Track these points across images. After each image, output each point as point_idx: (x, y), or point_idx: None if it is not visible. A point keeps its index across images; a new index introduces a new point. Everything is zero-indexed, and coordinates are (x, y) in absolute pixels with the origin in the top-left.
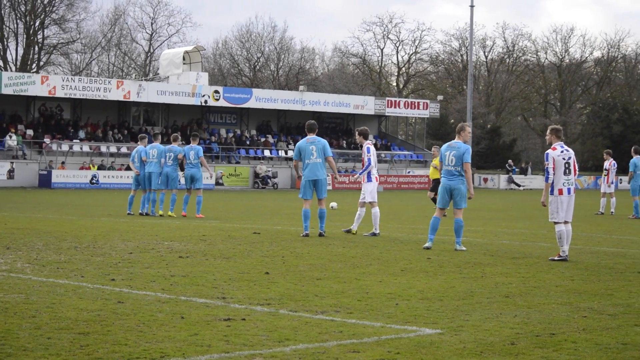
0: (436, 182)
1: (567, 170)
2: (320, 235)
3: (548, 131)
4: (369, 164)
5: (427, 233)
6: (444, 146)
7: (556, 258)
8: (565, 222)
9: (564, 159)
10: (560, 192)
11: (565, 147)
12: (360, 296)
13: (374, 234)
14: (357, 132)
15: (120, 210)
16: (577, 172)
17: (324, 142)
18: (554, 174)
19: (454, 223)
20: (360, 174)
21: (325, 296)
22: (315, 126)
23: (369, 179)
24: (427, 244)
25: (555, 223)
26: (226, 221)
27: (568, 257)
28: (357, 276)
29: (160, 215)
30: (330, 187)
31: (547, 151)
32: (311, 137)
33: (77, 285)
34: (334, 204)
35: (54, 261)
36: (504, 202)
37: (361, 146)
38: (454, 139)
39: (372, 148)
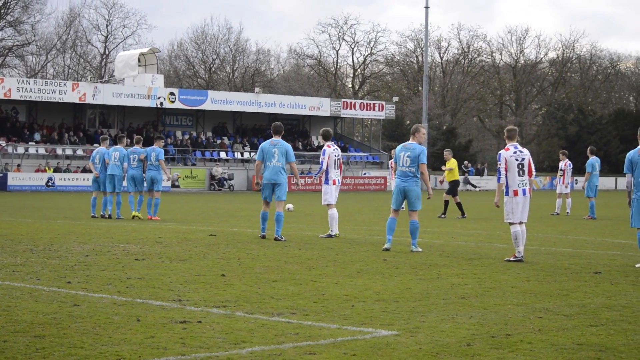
0: (453, 184)
1: (521, 172)
2: (276, 239)
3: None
4: (321, 166)
5: (384, 234)
6: (399, 147)
7: (512, 259)
8: (520, 223)
9: (517, 159)
10: (516, 193)
11: (520, 148)
12: (317, 298)
13: (330, 236)
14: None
15: (77, 213)
16: (533, 173)
17: (288, 146)
18: (506, 174)
19: (409, 224)
20: (315, 176)
21: (281, 298)
22: (281, 128)
23: (326, 182)
24: (386, 245)
25: (511, 224)
26: (182, 223)
27: (523, 258)
28: (313, 278)
29: (133, 217)
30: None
31: (500, 152)
32: (276, 139)
33: (32, 288)
34: (289, 206)
35: (10, 264)
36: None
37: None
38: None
39: (329, 150)
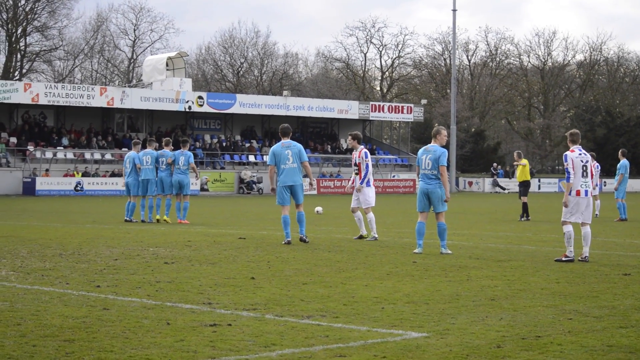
0: (524, 184)
1: (585, 173)
2: (302, 240)
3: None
4: (367, 169)
5: (414, 237)
6: (421, 150)
7: (563, 259)
8: (584, 224)
9: (582, 161)
10: (578, 193)
11: (584, 151)
12: (346, 300)
13: (375, 238)
14: (350, 137)
15: (105, 217)
16: (594, 176)
17: (300, 146)
18: (574, 174)
19: (437, 227)
20: (362, 182)
21: (311, 301)
22: (289, 130)
23: (369, 184)
24: (417, 250)
25: (565, 223)
26: (211, 227)
27: (574, 258)
28: (343, 280)
29: (157, 221)
30: (315, 192)
31: (566, 153)
32: (286, 141)
33: (62, 292)
34: (319, 209)
35: (39, 268)
36: (488, 205)
37: (352, 150)
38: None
39: (368, 153)
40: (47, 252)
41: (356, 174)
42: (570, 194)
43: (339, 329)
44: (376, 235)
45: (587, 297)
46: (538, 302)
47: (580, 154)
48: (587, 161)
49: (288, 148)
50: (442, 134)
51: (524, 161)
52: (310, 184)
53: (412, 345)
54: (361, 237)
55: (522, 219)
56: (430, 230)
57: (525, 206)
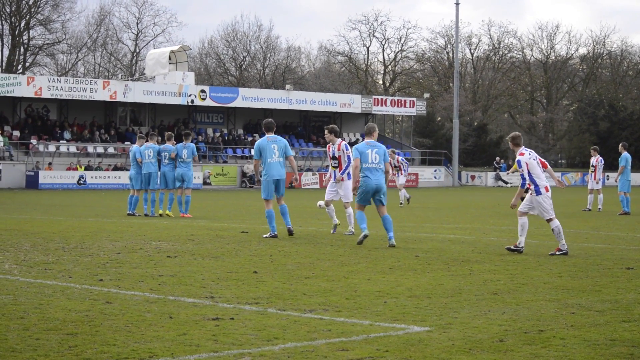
0: None
1: (541, 168)
2: (290, 232)
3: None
4: (349, 161)
5: (415, 231)
6: (362, 145)
7: (557, 253)
8: (522, 215)
9: (534, 159)
10: (547, 189)
11: (529, 150)
12: (349, 294)
13: (352, 233)
14: (327, 130)
15: (108, 211)
16: (547, 165)
17: (285, 141)
18: (531, 176)
19: (384, 220)
20: (342, 173)
21: (313, 295)
22: (273, 124)
23: (349, 177)
24: (366, 232)
25: (550, 220)
26: (214, 220)
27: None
28: (346, 274)
29: (160, 215)
30: (317, 186)
31: (518, 159)
32: (271, 135)
33: (65, 285)
34: (321, 202)
35: (42, 262)
36: (491, 200)
37: (329, 143)
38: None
39: (348, 145)
40: (50, 246)
41: (334, 167)
42: (540, 193)
43: (342, 323)
44: (353, 230)
45: (589, 291)
46: (540, 296)
47: (530, 153)
48: (537, 156)
49: (274, 142)
50: (377, 130)
51: None
52: (296, 179)
53: (414, 339)
54: (336, 227)
55: None
56: (434, 223)
57: None
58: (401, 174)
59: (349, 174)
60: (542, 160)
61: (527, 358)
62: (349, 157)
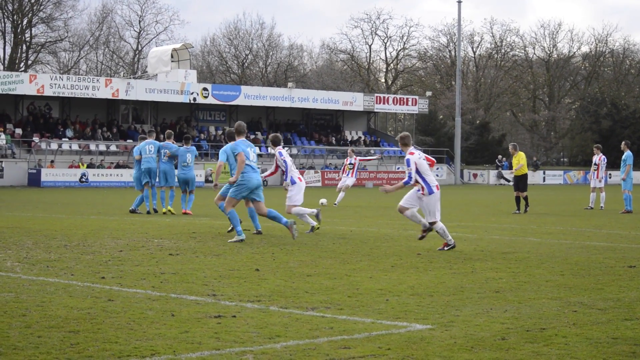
0: (518, 179)
1: (429, 168)
2: (260, 232)
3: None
4: (286, 165)
5: (418, 228)
6: (242, 144)
7: (446, 248)
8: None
9: (423, 159)
10: (437, 187)
11: (418, 150)
12: (351, 292)
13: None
14: (269, 141)
15: (110, 209)
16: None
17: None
18: (422, 177)
19: (270, 214)
20: (286, 179)
21: (315, 292)
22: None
23: (293, 181)
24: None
25: (434, 223)
26: (216, 218)
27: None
28: (348, 272)
29: (164, 213)
30: (320, 184)
31: (407, 158)
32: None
33: (67, 283)
34: (323, 200)
35: (44, 259)
36: (493, 198)
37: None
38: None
39: (284, 151)
40: (53, 244)
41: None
42: (432, 192)
43: (344, 321)
44: (314, 225)
45: (592, 289)
46: (543, 294)
47: (419, 152)
48: (424, 156)
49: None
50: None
51: (521, 154)
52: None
53: (416, 337)
54: (312, 229)
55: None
56: (450, 223)
57: (521, 200)
58: (352, 174)
59: (292, 178)
60: (429, 157)
61: (529, 356)
62: (285, 162)
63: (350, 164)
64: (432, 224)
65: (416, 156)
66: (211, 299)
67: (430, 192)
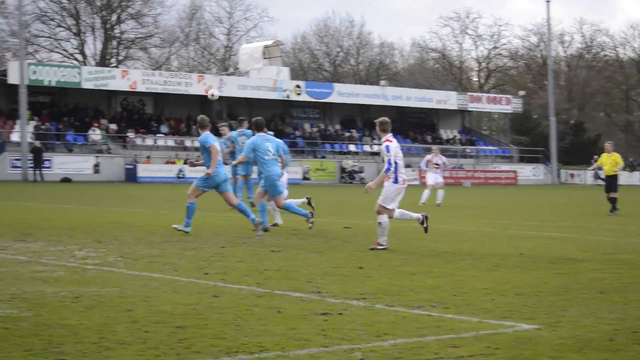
0: (610, 179)
1: (403, 162)
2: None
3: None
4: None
5: (509, 229)
6: (257, 139)
7: (378, 247)
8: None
9: (401, 150)
10: (404, 182)
11: (395, 138)
12: (456, 291)
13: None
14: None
15: (209, 204)
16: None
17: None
18: (395, 164)
19: (259, 206)
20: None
21: (420, 291)
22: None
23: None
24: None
25: (381, 213)
26: (316, 215)
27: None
28: (451, 271)
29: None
30: (417, 182)
31: (387, 144)
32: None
33: (171, 279)
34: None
35: (147, 255)
36: (591, 198)
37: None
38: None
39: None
40: (154, 239)
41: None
42: (397, 182)
43: (450, 320)
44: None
45: None
46: None
47: (397, 143)
48: (401, 150)
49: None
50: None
51: (617, 154)
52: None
53: (524, 337)
54: (276, 224)
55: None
56: (452, 216)
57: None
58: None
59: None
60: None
61: (637, 357)
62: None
63: (436, 163)
64: (378, 212)
65: (395, 143)
66: (316, 296)
67: (395, 182)
